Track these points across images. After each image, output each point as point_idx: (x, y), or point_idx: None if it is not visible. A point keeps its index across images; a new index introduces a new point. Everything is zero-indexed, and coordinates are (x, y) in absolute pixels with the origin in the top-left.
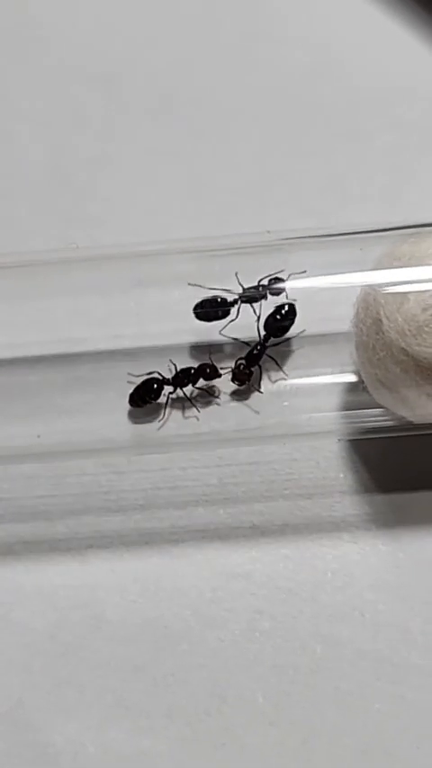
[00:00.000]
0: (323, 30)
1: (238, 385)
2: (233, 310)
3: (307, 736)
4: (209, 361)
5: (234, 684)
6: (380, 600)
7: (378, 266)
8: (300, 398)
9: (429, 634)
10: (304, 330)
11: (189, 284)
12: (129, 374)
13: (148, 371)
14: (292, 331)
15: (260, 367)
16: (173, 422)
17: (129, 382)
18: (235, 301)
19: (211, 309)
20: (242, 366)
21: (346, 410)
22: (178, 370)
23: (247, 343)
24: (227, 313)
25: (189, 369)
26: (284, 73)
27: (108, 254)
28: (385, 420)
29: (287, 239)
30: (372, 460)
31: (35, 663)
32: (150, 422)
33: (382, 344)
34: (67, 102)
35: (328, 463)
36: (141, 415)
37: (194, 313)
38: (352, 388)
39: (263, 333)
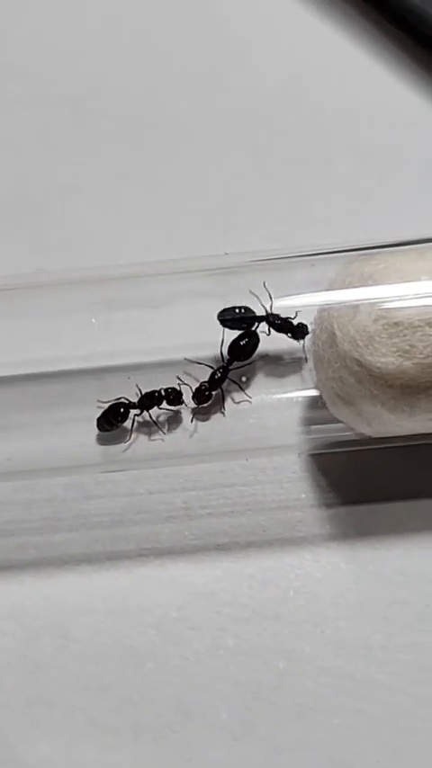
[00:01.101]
0: (287, 57)
1: (197, 404)
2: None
3: (270, 750)
4: (173, 386)
5: (199, 701)
6: (340, 617)
7: (331, 286)
8: (261, 416)
9: (388, 649)
10: (267, 355)
11: (251, 292)
12: (98, 401)
13: (116, 396)
14: (255, 355)
15: (222, 390)
16: (139, 443)
17: (98, 407)
18: (262, 320)
19: (236, 319)
20: (204, 388)
21: (307, 426)
22: (143, 393)
23: (210, 366)
24: (249, 326)
25: (153, 392)
26: (249, 99)
27: (73, 278)
28: (344, 435)
29: (246, 262)
30: (332, 474)
31: (6, 681)
32: (118, 443)
33: (336, 357)
34: (34, 127)
35: (291, 484)
36: (109, 438)
37: (219, 319)
38: (312, 404)
39: (227, 357)
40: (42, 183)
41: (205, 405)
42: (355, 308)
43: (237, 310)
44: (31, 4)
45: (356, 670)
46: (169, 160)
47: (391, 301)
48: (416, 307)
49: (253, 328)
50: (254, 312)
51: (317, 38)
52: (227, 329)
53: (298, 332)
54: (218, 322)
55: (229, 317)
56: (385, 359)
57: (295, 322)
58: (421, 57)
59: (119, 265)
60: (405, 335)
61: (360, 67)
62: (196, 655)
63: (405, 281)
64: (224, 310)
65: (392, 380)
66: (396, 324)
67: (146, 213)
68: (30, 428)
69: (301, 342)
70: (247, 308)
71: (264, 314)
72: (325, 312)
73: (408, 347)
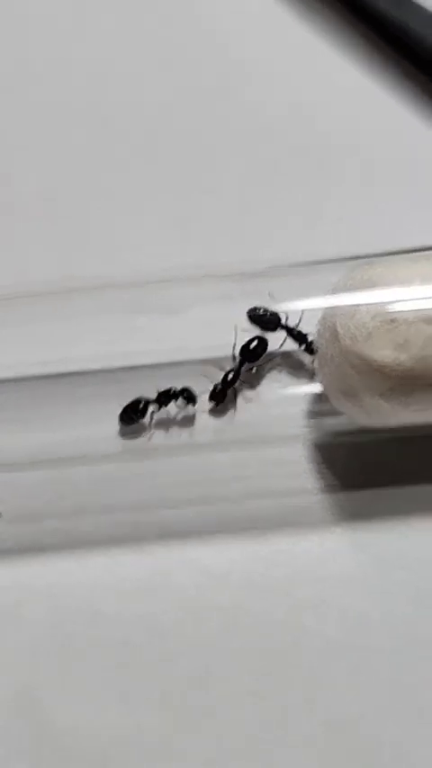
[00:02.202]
0: (294, 75)
1: (215, 404)
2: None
3: (282, 707)
4: (188, 387)
5: (219, 669)
6: (345, 593)
7: (335, 290)
8: (270, 409)
9: (389, 621)
10: (274, 357)
11: (269, 294)
12: (119, 404)
13: (135, 396)
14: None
15: (235, 389)
16: (157, 438)
17: (120, 405)
18: (283, 328)
19: (264, 319)
20: (218, 388)
21: (312, 418)
22: (160, 391)
23: (223, 369)
24: (274, 329)
25: (169, 390)
26: (259, 114)
27: (101, 283)
28: (346, 426)
29: (258, 270)
30: (335, 462)
31: (40, 650)
32: (138, 437)
33: (338, 352)
34: (62, 138)
35: (299, 473)
36: (130, 431)
37: (248, 315)
38: (316, 398)
39: (238, 358)
40: (70, 195)
41: (218, 404)
42: (355, 307)
43: (262, 311)
44: (55, 28)
45: (360, 641)
46: (186, 173)
47: (388, 303)
48: (410, 304)
49: (274, 332)
50: (279, 316)
51: (323, 58)
52: (245, 328)
53: (311, 347)
54: (231, 326)
55: (258, 317)
56: (383, 352)
57: (310, 338)
58: (418, 78)
59: (141, 272)
60: (400, 331)
61: (365, 90)
62: (216, 627)
63: (400, 284)
64: (254, 309)
65: (390, 372)
66: (392, 320)
67: (165, 219)
68: (59, 421)
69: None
70: (273, 312)
71: (285, 322)
72: (328, 312)
73: (403, 341)
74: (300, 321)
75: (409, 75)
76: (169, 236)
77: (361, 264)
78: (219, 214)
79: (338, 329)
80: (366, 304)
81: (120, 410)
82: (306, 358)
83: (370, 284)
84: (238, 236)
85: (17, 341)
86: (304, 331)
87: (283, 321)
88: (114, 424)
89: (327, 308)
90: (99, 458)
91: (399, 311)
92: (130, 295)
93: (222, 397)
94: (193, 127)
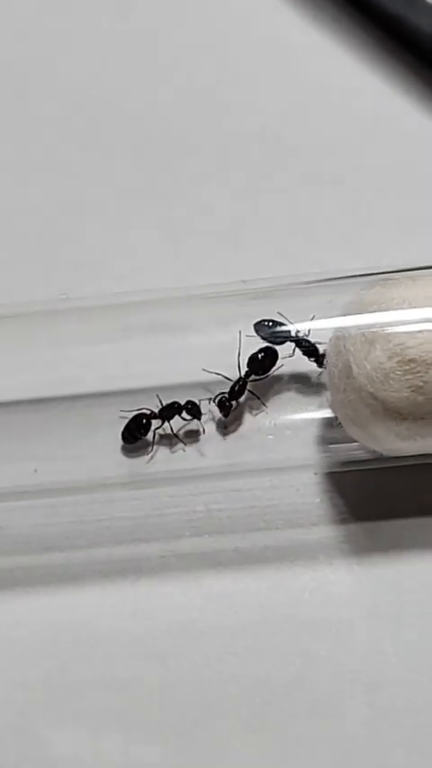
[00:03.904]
0: (293, 76)
1: (223, 415)
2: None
3: (287, 744)
4: (192, 399)
5: (219, 698)
6: (354, 617)
7: (346, 313)
8: (279, 434)
9: (400, 649)
10: (282, 365)
11: (278, 313)
12: (121, 410)
13: (137, 408)
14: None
15: (238, 402)
16: (161, 457)
17: (121, 417)
18: (292, 340)
19: (270, 331)
20: (224, 399)
21: (323, 445)
22: (163, 405)
23: (229, 379)
24: (282, 341)
25: (173, 403)
26: (256, 119)
27: (97, 304)
28: (359, 453)
29: (262, 288)
30: (347, 489)
31: (35, 677)
32: (141, 456)
33: (351, 388)
34: (49, 152)
35: (306, 489)
36: (133, 449)
37: (255, 327)
38: (328, 424)
39: (245, 370)
40: (58, 209)
41: (226, 416)
42: (371, 343)
43: (270, 323)
44: (38, 31)
45: (370, 669)
46: (180, 182)
47: (403, 335)
48: (430, 344)
49: (282, 345)
50: (288, 329)
51: (322, 57)
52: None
53: (322, 360)
54: (234, 345)
55: (265, 329)
56: (399, 394)
57: (321, 350)
58: (426, 77)
59: (140, 291)
60: (418, 372)
61: (367, 88)
62: (216, 653)
63: (419, 306)
64: (259, 322)
65: (406, 414)
66: (411, 361)
67: (158, 232)
68: (55, 447)
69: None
70: (280, 323)
71: (295, 335)
72: (341, 343)
73: (421, 383)
74: (309, 334)
75: (418, 74)
76: (167, 246)
77: (374, 286)
78: (215, 223)
79: (353, 366)
80: (383, 340)
81: (120, 429)
82: (316, 376)
83: (384, 307)
84: (235, 246)
85: (7, 363)
86: (314, 343)
87: (292, 334)
88: (112, 450)
89: (338, 335)
90: (98, 485)
91: (417, 351)
92: (126, 314)
93: (229, 408)
94: (188, 133)
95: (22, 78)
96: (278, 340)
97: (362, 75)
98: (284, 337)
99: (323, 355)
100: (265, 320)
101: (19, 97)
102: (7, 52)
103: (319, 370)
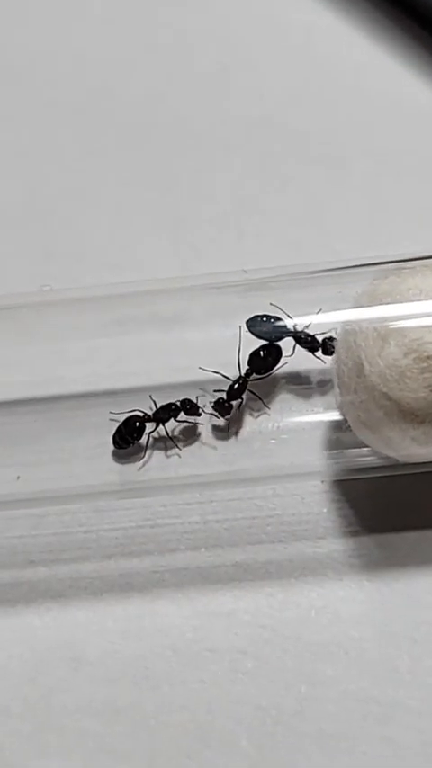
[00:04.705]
0: (298, 56)
1: (220, 415)
2: (290, 347)
3: None
4: (189, 398)
5: (217, 727)
6: (365, 637)
7: (358, 305)
8: (283, 438)
9: (416, 672)
10: (286, 362)
11: (271, 304)
12: (111, 412)
13: (129, 409)
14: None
15: (241, 409)
16: (155, 463)
17: (111, 420)
18: (290, 334)
19: (262, 329)
20: (223, 400)
21: (331, 450)
22: (159, 406)
23: (228, 378)
24: (279, 338)
25: (170, 405)
26: (260, 100)
27: (84, 296)
28: (370, 459)
29: (265, 278)
30: (357, 499)
31: (16, 706)
32: (133, 462)
33: (363, 388)
34: (39, 136)
35: (312, 498)
36: (125, 455)
37: (247, 325)
38: (336, 427)
39: (246, 368)
40: (48, 193)
41: (226, 417)
42: (384, 339)
43: (265, 318)
44: (33, 13)
45: (383, 694)
46: (179, 167)
47: (420, 329)
48: None
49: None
50: (284, 323)
51: (329, 35)
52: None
53: (327, 348)
54: (234, 340)
55: (260, 324)
56: (416, 395)
57: (321, 338)
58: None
59: (132, 282)
60: None
61: (376, 66)
62: (214, 677)
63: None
64: (253, 318)
65: (423, 416)
66: (429, 357)
67: (157, 221)
68: (40, 452)
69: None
70: (277, 318)
71: (291, 329)
72: (351, 339)
73: None
74: (308, 327)
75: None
76: (165, 235)
77: (385, 276)
78: (216, 211)
79: (364, 363)
80: (397, 335)
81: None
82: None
83: (399, 298)
84: (238, 235)
85: None
86: (316, 334)
87: (290, 327)
88: (101, 455)
89: (347, 330)
90: (88, 493)
91: None
92: (115, 307)
93: (229, 409)
94: (187, 118)
95: (15, 60)
96: (273, 337)
97: (370, 53)
98: (281, 333)
99: (329, 339)
100: (258, 315)
101: (11, 81)
102: (3, 37)
103: (326, 365)
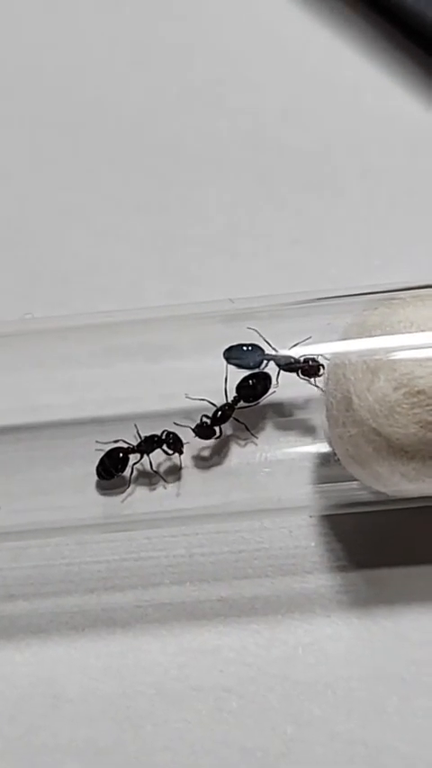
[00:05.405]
0: (292, 75)
1: (200, 437)
2: (273, 378)
3: None
4: (172, 431)
5: (201, 763)
6: (353, 676)
7: (347, 336)
8: (270, 471)
9: (405, 713)
10: (275, 391)
11: (248, 328)
12: (96, 442)
13: (114, 439)
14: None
15: (220, 433)
16: (139, 496)
17: (97, 450)
18: (270, 359)
19: (243, 358)
20: (205, 424)
21: (319, 483)
22: (142, 438)
23: (215, 405)
24: (258, 365)
25: (152, 436)
26: (252, 120)
27: (67, 325)
28: (360, 494)
29: (253, 308)
30: (346, 533)
31: None
32: (116, 494)
33: (352, 422)
34: (27, 153)
35: (300, 531)
36: (109, 486)
37: (225, 356)
38: (324, 460)
39: (234, 395)
40: (34, 214)
41: (207, 439)
42: (373, 372)
43: (244, 348)
44: (26, 26)
45: (371, 736)
46: (170, 187)
47: (410, 363)
48: None
49: (261, 368)
50: (263, 351)
51: (323, 54)
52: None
53: (311, 370)
54: (221, 369)
55: (238, 353)
56: (406, 430)
57: (302, 359)
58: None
59: (118, 311)
60: (428, 405)
61: (373, 85)
62: (198, 717)
63: (426, 335)
64: (231, 348)
65: (413, 453)
66: (419, 392)
67: (147, 243)
68: (23, 482)
69: (314, 380)
70: (255, 346)
71: (271, 353)
72: (340, 371)
73: (431, 418)
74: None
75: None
76: (153, 256)
77: (378, 303)
78: (206, 232)
79: (353, 398)
80: (387, 369)
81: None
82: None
83: (389, 330)
84: (229, 257)
85: None
86: (298, 357)
87: (268, 352)
88: (84, 487)
89: (337, 362)
90: (69, 526)
91: (426, 382)
92: (100, 335)
93: (211, 433)
94: (179, 138)
95: (8, 78)
96: (254, 363)
97: (367, 72)
98: (260, 360)
99: (312, 360)
100: (234, 345)
101: (5, 98)
102: None
103: (316, 394)
